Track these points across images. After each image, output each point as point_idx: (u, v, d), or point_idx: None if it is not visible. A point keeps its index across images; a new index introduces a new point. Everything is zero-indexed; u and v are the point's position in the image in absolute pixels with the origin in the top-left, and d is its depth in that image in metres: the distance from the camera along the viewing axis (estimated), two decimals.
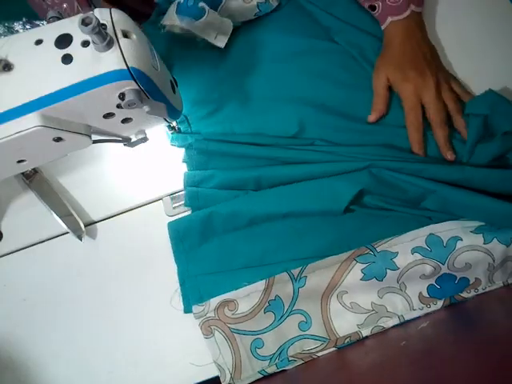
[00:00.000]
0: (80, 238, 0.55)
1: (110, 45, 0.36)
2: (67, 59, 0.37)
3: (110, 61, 0.37)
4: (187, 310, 0.51)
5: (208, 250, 0.53)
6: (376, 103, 0.55)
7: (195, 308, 0.50)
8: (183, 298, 0.52)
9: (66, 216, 0.55)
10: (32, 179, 0.58)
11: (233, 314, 0.50)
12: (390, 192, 0.51)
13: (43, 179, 0.58)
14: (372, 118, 0.54)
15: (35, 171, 0.58)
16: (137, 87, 0.39)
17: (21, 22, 0.58)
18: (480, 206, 0.47)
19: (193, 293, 0.51)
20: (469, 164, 0.50)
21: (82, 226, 0.55)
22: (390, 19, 0.55)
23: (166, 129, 0.56)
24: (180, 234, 0.53)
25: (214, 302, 0.50)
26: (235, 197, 0.53)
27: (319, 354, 0.49)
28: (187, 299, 0.52)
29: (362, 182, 0.50)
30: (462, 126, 0.52)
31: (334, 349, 0.49)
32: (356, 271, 0.49)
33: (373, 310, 0.49)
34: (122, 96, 0.39)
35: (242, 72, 0.59)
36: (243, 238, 0.53)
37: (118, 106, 0.41)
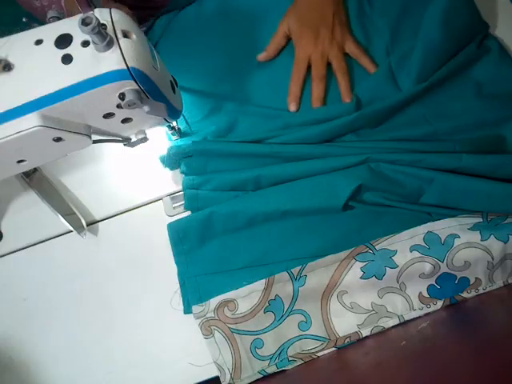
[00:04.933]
0: (82, 232, 0.54)
1: (110, 45, 0.36)
2: (67, 59, 0.37)
3: (110, 61, 0.37)
4: (187, 310, 0.51)
5: (208, 251, 0.53)
6: (269, 47, 0.58)
7: (195, 308, 0.50)
8: (183, 298, 0.52)
9: (66, 214, 0.55)
10: (32, 177, 0.57)
11: (233, 314, 0.50)
12: (388, 187, 0.51)
13: (43, 177, 0.58)
14: (260, 57, 0.58)
15: (35, 169, 0.58)
16: (137, 87, 0.39)
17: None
18: (479, 190, 0.47)
19: (192, 293, 0.51)
20: (465, 151, 0.50)
21: (84, 222, 0.55)
22: None
23: (166, 129, 0.56)
24: (180, 235, 0.53)
25: (214, 302, 0.50)
26: (235, 197, 0.53)
27: (319, 354, 0.49)
28: (187, 300, 0.52)
29: (361, 177, 0.50)
30: (343, 85, 0.55)
31: (334, 349, 0.49)
32: (355, 270, 0.49)
33: (373, 310, 0.49)
34: (121, 96, 0.39)
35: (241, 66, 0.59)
36: (243, 237, 0.53)
37: (118, 106, 0.41)
